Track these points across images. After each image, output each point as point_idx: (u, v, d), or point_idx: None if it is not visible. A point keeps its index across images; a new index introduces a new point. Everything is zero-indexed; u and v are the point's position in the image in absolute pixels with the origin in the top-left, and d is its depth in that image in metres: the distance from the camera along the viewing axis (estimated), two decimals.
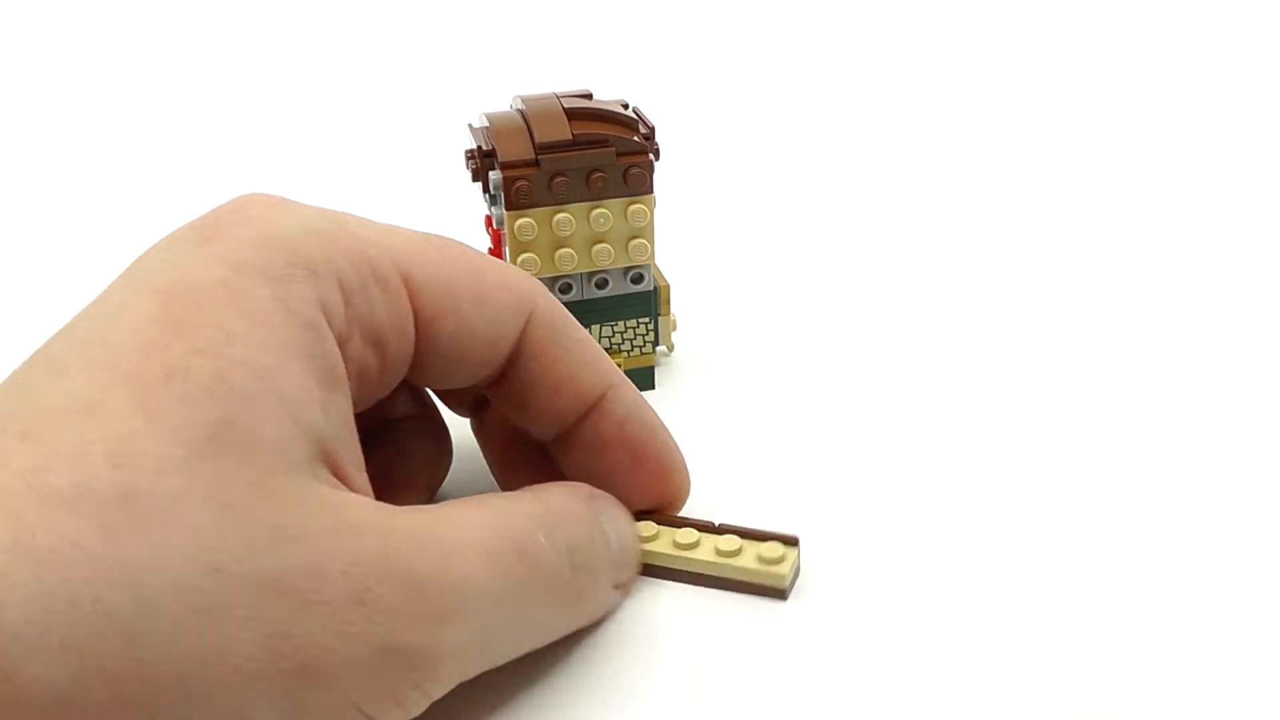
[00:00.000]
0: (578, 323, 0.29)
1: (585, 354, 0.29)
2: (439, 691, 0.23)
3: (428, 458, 0.31)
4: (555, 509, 0.27)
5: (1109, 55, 0.73)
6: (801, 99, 0.69)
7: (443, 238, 0.28)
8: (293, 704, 0.21)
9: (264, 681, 0.20)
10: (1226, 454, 0.34)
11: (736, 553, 0.29)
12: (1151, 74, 0.70)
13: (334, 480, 0.23)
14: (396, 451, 0.31)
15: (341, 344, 0.24)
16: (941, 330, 0.42)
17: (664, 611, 0.29)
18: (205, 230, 0.24)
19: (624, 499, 0.30)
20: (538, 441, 0.30)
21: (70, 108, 0.70)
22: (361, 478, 0.24)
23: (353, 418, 0.25)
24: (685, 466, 0.31)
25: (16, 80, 0.74)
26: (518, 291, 0.28)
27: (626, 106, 0.36)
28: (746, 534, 0.30)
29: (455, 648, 0.23)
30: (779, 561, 0.29)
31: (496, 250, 0.37)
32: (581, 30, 0.79)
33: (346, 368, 0.24)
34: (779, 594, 0.29)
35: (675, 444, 0.31)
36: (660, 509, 0.30)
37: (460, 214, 0.46)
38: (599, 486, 0.30)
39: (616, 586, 0.28)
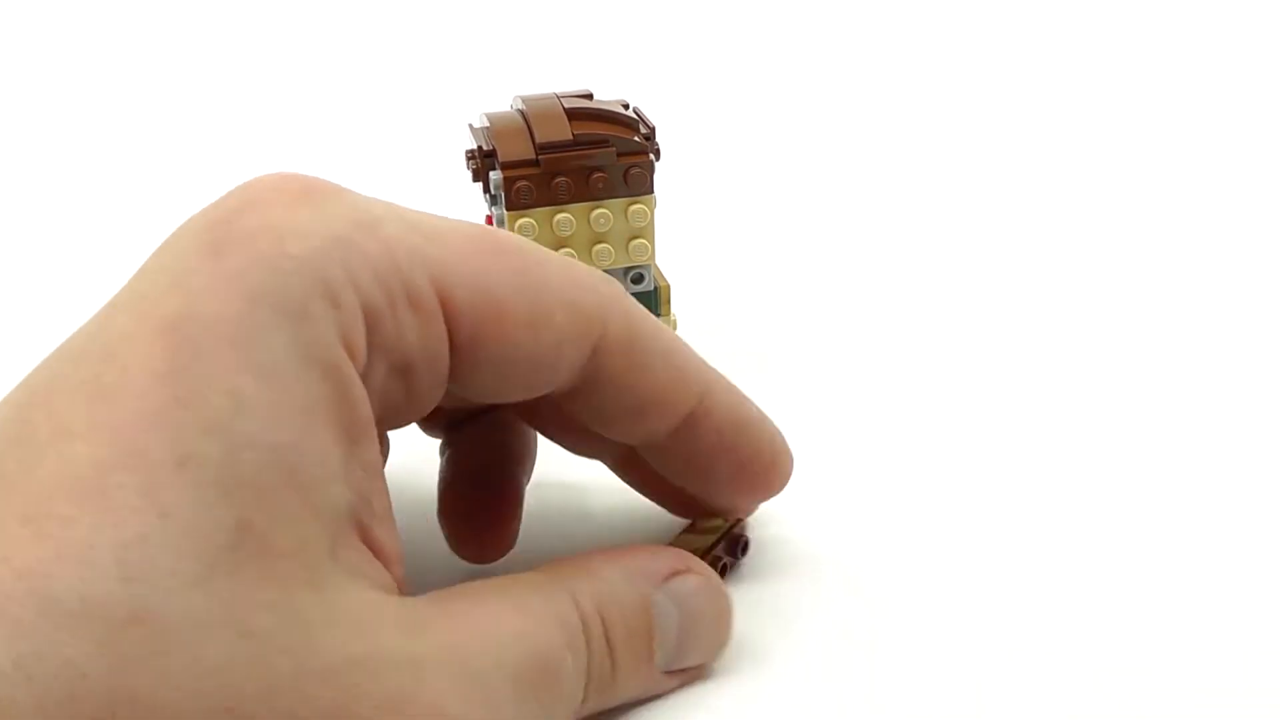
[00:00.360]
0: (663, 328, 0.26)
1: (671, 372, 0.26)
2: None
3: (516, 448, 0.30)
4: (590, 603, 0.24)
5: (1109, 55, 0.73)
6: (802, 99, 0.69)
7: (500, 237, 0.24)
8: None
9: None
10: (1224, 454, 0.34)
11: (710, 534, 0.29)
12: (1152, 74, 0.70)
13: (360, 555, 0.21)
14: (486, 448, 0.29)
15: (364, 378, 0.22)
16: (942, 330, 0.42)
17: None
18: (216, 238, 0.21)
19: (728, 501, 0.28)
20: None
21: (69, 105, 0.70)
22: (388, 531, 0.22)
23: (380, 461, 0.23)
24: (787, 446, 0.28)
25: (20, 77, 0.74)
26: (585, 312, 0.24)
27: (627, 106, 0.36)
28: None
29: None
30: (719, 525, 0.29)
31: None
32: (581, 30, 0.79)
33: (370, 402, 0.22)
34: (734, 541, 0.29)
35: (774, 427, 0.28)
36: (762, 500, 0.29)
37: (460, 214, 0.46)
38: (702, 488, 0.28)
39: (674, 672, 0.26)
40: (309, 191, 0.22)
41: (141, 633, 0.18)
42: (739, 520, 0.30)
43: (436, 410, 0.25)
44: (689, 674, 0.26)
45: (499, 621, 0.23)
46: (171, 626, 0.19)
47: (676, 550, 0.26)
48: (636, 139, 0.35)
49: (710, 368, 0.27)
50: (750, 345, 0.41)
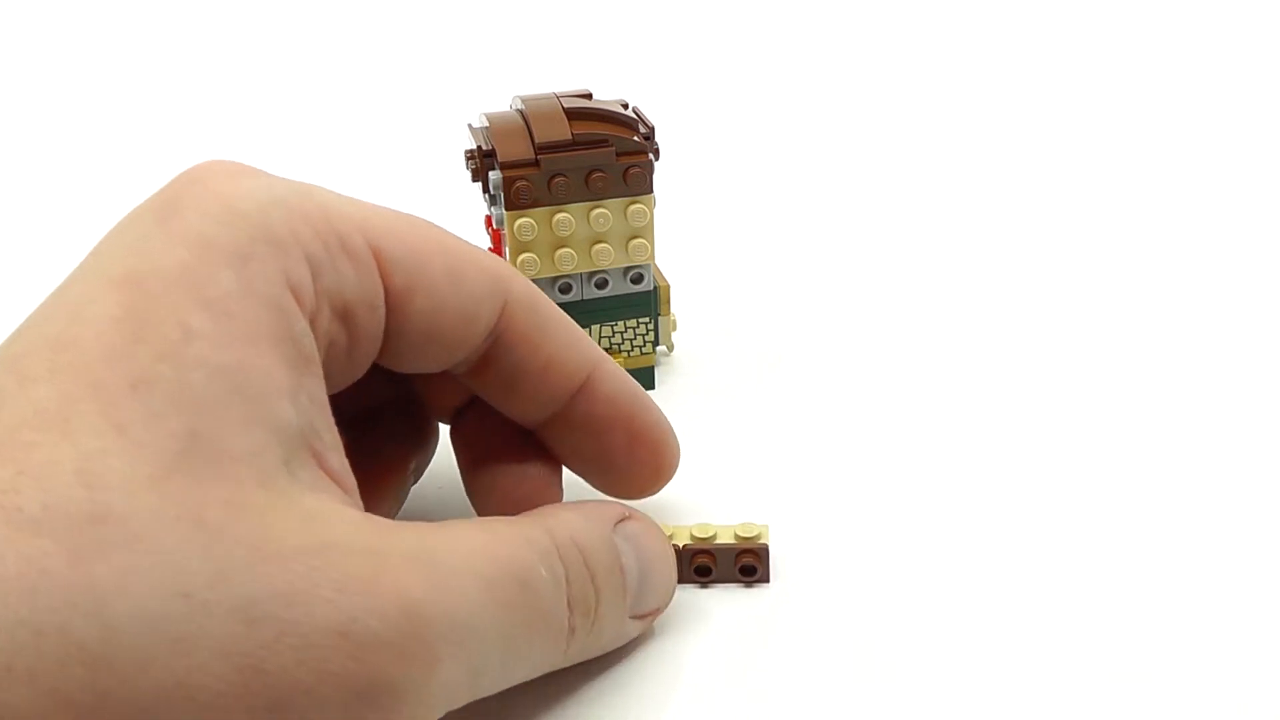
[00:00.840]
0: (554, 304, 0.29)
1: (569, 334, 0.28)
2: None
3: (412, 440, 0.31)
4: (563, 536, 0.25)
5: (1109, 56, 0.73)
6: (802, 99, 0.69)
7: (415, 216, 0.27)
8: None
9: (237, 715, 0.19)
10: (1236, 460, 0.34)
11: (713, 537, 0.29)
12: (1151, 74, 0.70)
13: (315, 475, 0.22)
14: (379, 436, 0.30)
15: (310, 321, 0.23)
16: (942, 330, 0.42)
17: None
18: (164, 206, 0.23)
19: (624, 476, 0.29)
20: (518, 452, 0.30)
21: (69, 105, 0.70)
22: (341, 461, 0.23)
23: (326, 398, 0.24)
24: (675, 435, 0.30)
25: (16, 76, 0.74)
26: (493, 273, 0.27)
27: (626, 106, 0.36)
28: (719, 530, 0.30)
29: (444, 686, 0.22)
30: (756, 536, 0.29)
31: (496, 249, 0.37)
32: (581, 30, 0.79)
33: (316, 343, 0.24)
34: (760, 564, 0.29)
35: (662, 414, 0.30)
36: (654, 482, 0.30)
37: (460, 214, 0.46)
38: (597, 467, 0.29)
39: (638, 616, 0.27)
40: (248, 169, 0.25)
41: (100, 530, 0.19)
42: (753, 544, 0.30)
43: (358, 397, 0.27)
44: (649, 619, 0.28)
45: (465, 535, 0.24)
46: (128, 522, 0.19)
47: (618, 501, 0.28)
48: (636, 139, 0.35)
49: (601, 349, 0.29)
50: (750, 345, 0.41)
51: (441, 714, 0.22)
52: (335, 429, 0.24)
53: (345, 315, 0.24)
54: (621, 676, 0.27)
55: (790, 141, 0.62)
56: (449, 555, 0.23)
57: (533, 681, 0.25)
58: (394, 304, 0.25)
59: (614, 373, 0.29)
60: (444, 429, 0.32)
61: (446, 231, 0.27)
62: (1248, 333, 0.41)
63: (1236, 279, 0.45)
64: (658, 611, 0.28)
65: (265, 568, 0.20)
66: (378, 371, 0.27)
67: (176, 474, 0.20)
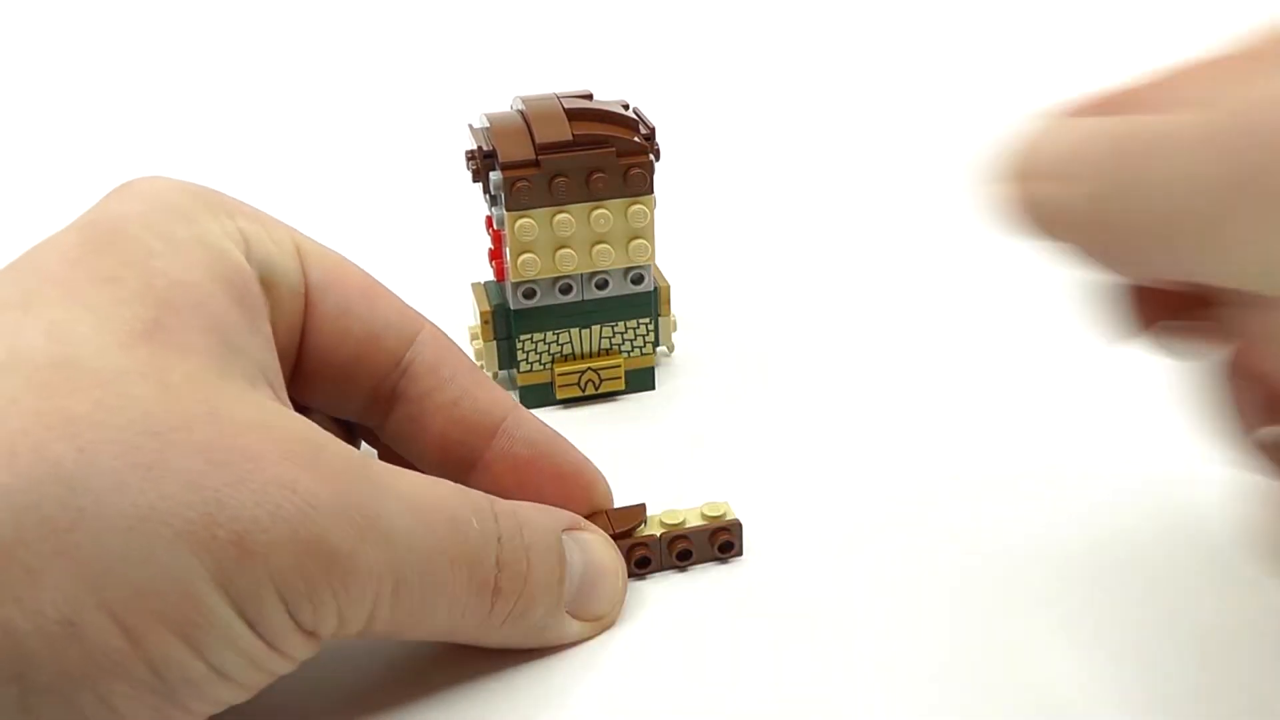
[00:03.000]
0: (467, 356, 0.29)
1: (479, 377, 0.29)
2: (351, 614, 0.23)
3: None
4: (507, 509, 0.26)
5: (1109, 56, 0.73)
6: (802, 99, 0.69)
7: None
8: (224, 576, 0.20)
9: (200, 549, 0.20)
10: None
11: (682, 522, 0.30)
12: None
13: (269, 393, 0.23)
14: None
15: None
16: (941, 330, 0.42)
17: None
18: (119, 189, 0.25)
19: None
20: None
21: (68, 106, 0.70)
22: (287, 402, 0.24)
23: (274, 343, 0.25)
24: (602, 475, 0.30)
25: (13, 78, 0.74)
26: (405, 310, 0.28)
27: (627, 107, 0.36)
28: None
29: (368, 569, 0.22)
30: (722, 514, 0.30)
31: (497, 250, 0.37)
32: (581, 30, 0.79)
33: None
34: (735, 540, 0.30)
35: (585, 456, 0.30)
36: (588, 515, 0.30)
37: (460, 214, 0.46)
38: None
39: (579, 617, 0.28)
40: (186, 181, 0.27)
41: (68, 372, 0.20)
42: (725, 521, 0.30)
43: None
44: (598, 625, 0.28)
45: (409, 474, 0.25)
46: (96, 370, 0.21)
47: (572, 513, 0.28)
48: (636, 139, 0.35)
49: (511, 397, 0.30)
50: (750, 345, 0.41)
51: (368, 607, 0.23)
52: (281, 372, 0.25)
53: (271, 289, 0.26)
54: (613, 659, 0.27)
55: (791, 142, 0.62)
56: (384, 474, 0.24)
57: (518, 663, 0.26)
58: (311, 296, 0.27)
59: (529, 417, 0.29)
60: None
61: (368, 272, 0.29)
62: None
63: None
64: (604, 620, 0.28)
65: (225, 426, 0.21)
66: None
67: (142, 345, 0.21)
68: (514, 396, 0.31)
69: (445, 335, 0.29)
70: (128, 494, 0.20)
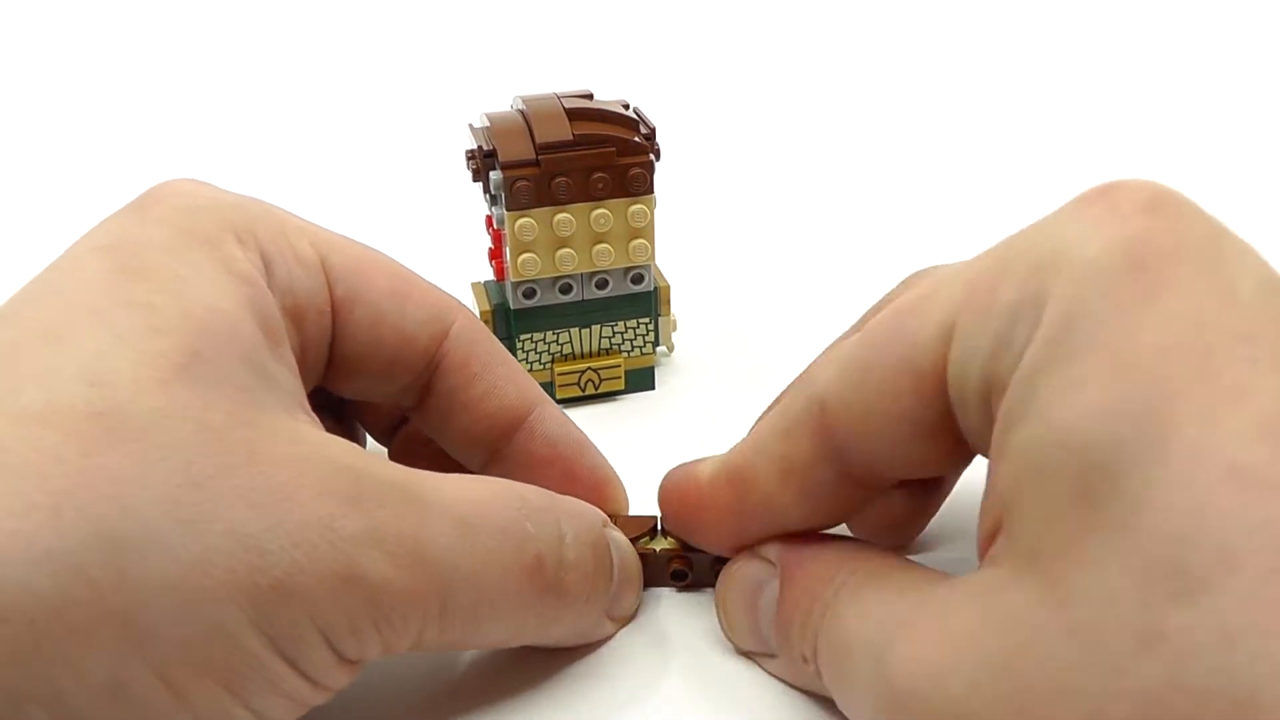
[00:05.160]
0: (500, 344, 0.29)
1: (510, 370, 0.29)
2: (396, 640, 0.23)
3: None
4: (568, 507, 0.26)
5: (1109, 56, 0.73)
6: (802, 99, 0.69)
7: (369, 246, 0.28)
8: (266, 621, 0.21)
9: (241, 596, 0.20)
10: None
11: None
12: (1150, 74, 0.70)
13: (305, 416, 0.23)
14: None
15: None
16: None
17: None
18: (139, 205, 0.25)
19: None
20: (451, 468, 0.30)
21: (68, 107, 0.70)
22: (316, 424, 0.24)
23: (298, 369, 0.25)
24: (619, 480, 0.30)
25: (11, 79, 0.74)
26: (436, 301, 0.28)
27: (627, 107, 0.36)
28: (689, 547, 0.29)
29: (413, 598, 0.22)
30: None
31: (497, 249, 0.37)
32: (581, 30, 0.79)
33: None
34: None
35: (606, 460, 0.30)
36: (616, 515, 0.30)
37: (460, 214, 0.46)
38: None
39: (612, 617, 0.28)
40: (208, 184, 0.26)
41: (108, 423, 0.20)
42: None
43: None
44: (621, 624, 0.28)
45: (452, 482, 0.24)
46: (136, 418, 0.20)
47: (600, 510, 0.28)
48: (637, 139, 0.35)
49: (544, 393, 0.29)
50: (750, 345, 0.41)
51: (415, 632, 0.23)
52: (305, 397, 0.25)
53: (295, 314, 0.26)
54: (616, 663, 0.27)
55: (791, 142, 0.62)
56: (426, 491, 0.23)
57: (526, 670, 0.26)
58: (338, 310, 0.27)
59: (556, 416, 0.29)
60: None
61: (397, 261, 0.28)
62: None
63: None
64: (627, 619, 0.28)
65: (264, 466, 0.21)
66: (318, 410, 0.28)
67: (178, 381, 0.21)
68: None
69: (478, 325, 0.29)
70: (170, 551, 0.20)
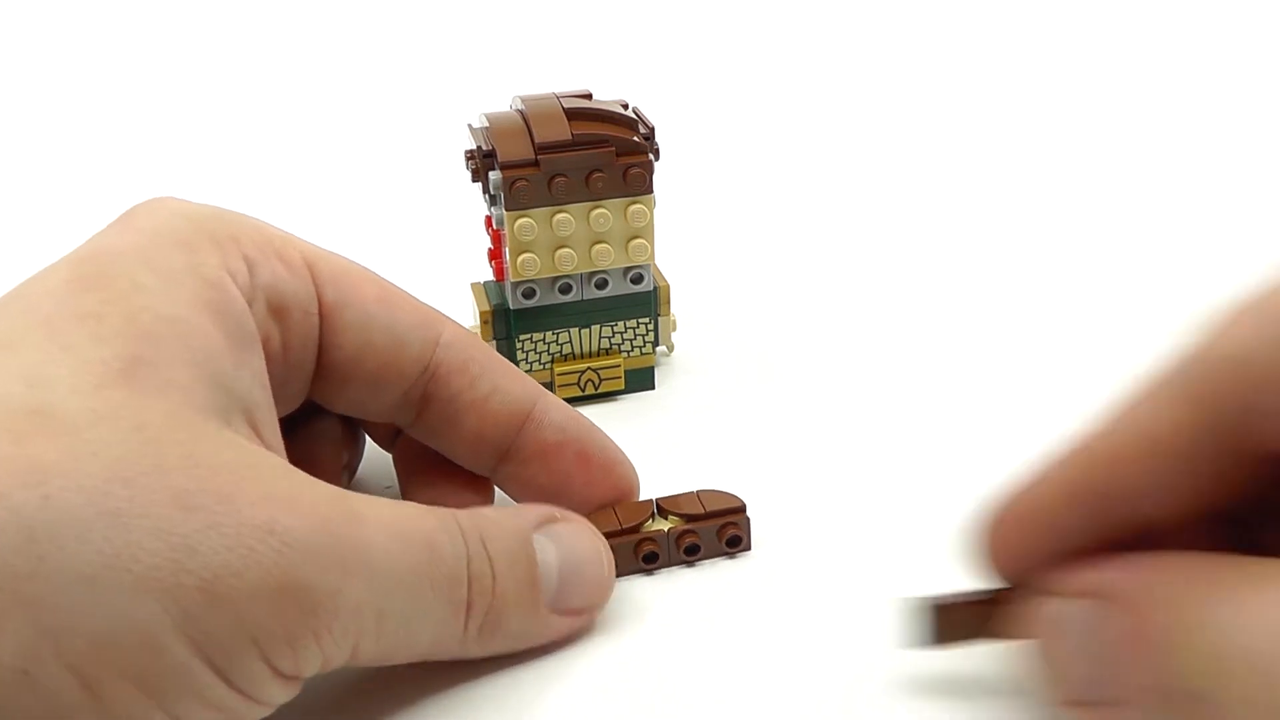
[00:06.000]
0: (492, 349, 0.29)
1: (507, 369, 0.29)
2: (334, 652, 0.22)
3: (343, 439, 0.31)
4: (469, 521, 0.26)
5: (1108, 56, 0.73)
6: (802, 99, 0.69)
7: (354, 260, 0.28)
8: (193, 625, 0.20)
9: (166, 596, 0.20)
10: None
11: (685, 512, 0.30)
12: (1150, 74, 0.70)
13: (249, 432, 0.23)
14: (310, 437, 0.30)
15: (249, 305, 0.25)
16: (941, 330, 0.42)
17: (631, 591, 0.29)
18: (125, 217, 0.25)
19: (580, 500, 0.29)
20: (455, 472, 0.30)
21: (66, 107, 0.70)
22: (275, 437, 0.24)
23: (268, 380, 0.25)
24: (628, 459, 0.31)
25: (9, 80, 0.74)
26: (425, 311, 0.28)
27: (626, 106, 0.36)
28: (693, 518, 0.30)
29: (352, 607, 0.22)
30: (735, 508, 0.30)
31: (496, 250, 0.37)
32: (581, 30, 0.79)
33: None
34: (744, 534, 0.30)
35: (613, 441, 0.30)
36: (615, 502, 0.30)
37: (460, 214, 0.46)
38: (551, 496, 0.29)
39: (562, 613, 0.27)
40: (190, 200, 0.26)
41: (42, 420, 0.20)
42: (735, 513, 0.30)
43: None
44: (580, 619, 0.28)
45: (383, 503, 0.24)
46: (70, 417, 0.20)
47: (550, 506, 0.28)
48: (636, 139, 0.35)
49: (538, 384, 0.30)
50: (751, 345, 0.41)
51: (350, 644, 0.23)
52: (274, 411, 0.25)
53: (279, 313, 0.26)
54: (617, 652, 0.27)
55: (791, 141, 0.62)
56: (362, 506, 0.24)
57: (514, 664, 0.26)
58: (326, 314, 0.27)
59: (559, 404, 0.30)
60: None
61: (382, 276, 0.28)
62: None
63: (1232, 279, 0.45)
64: (589, 610, 0.28)
65: (200, 470, 0.21)
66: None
67: (118, 386, 0.21)
68: None
69: (466, 332, 0.29)
70: (91, 542, 0.19)
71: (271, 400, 0.25)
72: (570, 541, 0.27)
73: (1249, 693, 0.18)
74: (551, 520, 0.27)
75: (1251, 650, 0.19)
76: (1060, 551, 0.23)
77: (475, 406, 0.29)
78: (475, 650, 0.26)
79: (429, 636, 0.25)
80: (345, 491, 0.24)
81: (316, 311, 0.27)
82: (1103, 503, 0.23)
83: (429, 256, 0.46)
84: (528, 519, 0.27)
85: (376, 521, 0.23)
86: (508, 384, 0.29)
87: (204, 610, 0.20)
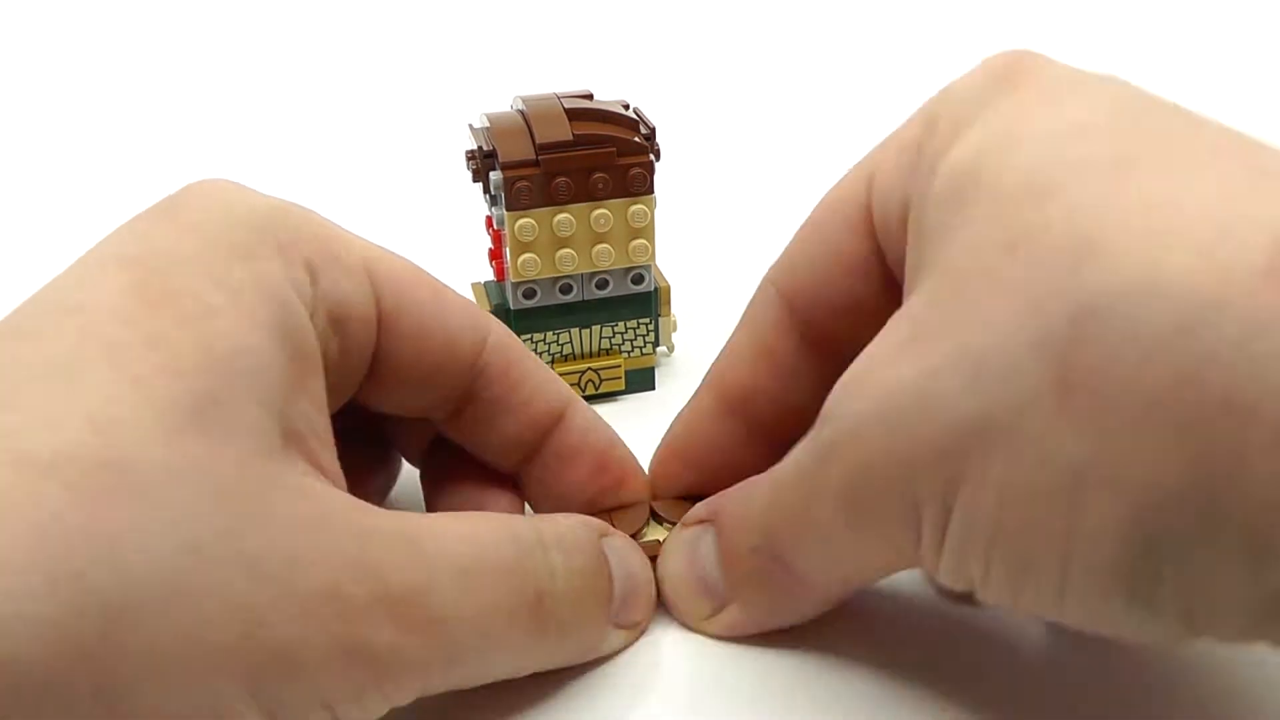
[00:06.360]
0: (527, 348, 0.30)
1: (544, 372, 0.29)
2: (401, 700, 0.23)
3: (376, 462, 0.31)
4: (553, 533, 0.26)
5: (1108, 55, 0.73)
6: (802, 99, 0.69)
7: (404, 258, 0.28)
8: (264, 695, 0.20)
9: (238, 669, 0.20)
10: None
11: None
12: (1151, 74, 0.70)
13: (309, 468, 0.23)
14: (345, 459, 0.30)
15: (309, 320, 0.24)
16: None
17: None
18: (170, 208, 0.24)
19: (588, 503, 0.30)
20: (484, 490, 0.30)
21: (64, 107, 0.70)
22: (333, 462, 0.24)
23: (325, 398, 0.24)
24: (642, 469, 0.31)
25: (15, 79, 0.74)
26: (473, 312, 0.28)
27: (627, 107, 0.36)
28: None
29: (420, 659, 0.22)
30: None
31: (497, 250, 0.37)
32: (581, 30, 0.79)
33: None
34: None
35: (631, 452, 0.31)
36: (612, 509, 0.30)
37: (460, 214, 0.46)
38: (562, 498, 0.29)
39: (621, 626, 0.27)
40: (246, 187, 0.25)
41: (111, 477, 0.19)
42: None
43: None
44: (634, 632, 0.28)
45: (449, 527, 0.24)
46: (140, 472, 0.19)
47: (593, 518, 0.28)
48: (637, 139, 0.35)
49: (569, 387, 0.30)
50: None
51: (421, 688, 0.23)
52: (330, 429, 0.24)
53: (339, 323, 0.25)
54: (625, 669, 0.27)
55: (791, 142, 0.62)
56: (427, 541, 0.23)
57: (535, 684, 0.26)
58: (384, 321, 0.26)
59: (587, 411, 0.30)
60: None
61: (431, 274, 0.28)
62: None
63: None
64: (641, 625, 0.28)
65: (269, 530, 0.21)
66: (350, 410, 0.27)
67: (189, 430, 0.20)
68: None
69: (509, 333, 0.29)
70: (166, 622, 0.19)
71: (329, 421, 0.24)
72: (628, 553, 0.28)
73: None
74: (607, 533, 0.28)
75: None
76: (728, 465, 0.28)
77: (515, 409, 0.28)
78: (549, 663, 0.26)
79: (509, 660, 0.25)
80: (412, 523, 0.23)
81: (375, 319, 0.26)
82: (738, 409, 0.29)
83: (429, 256, 0.46)
84: (594, 528, 0.27)
85: (447, 559, 0.23)
86: (545, 387, 0.29)
87: (276, 681, 0.20)
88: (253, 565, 0.20)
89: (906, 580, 0.29)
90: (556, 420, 0.29)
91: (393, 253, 0.27)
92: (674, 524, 0.30)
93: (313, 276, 0.24)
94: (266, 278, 0.23)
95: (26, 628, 0.18)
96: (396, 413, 0.29)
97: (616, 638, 0.27)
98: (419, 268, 0.28)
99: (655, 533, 0.30)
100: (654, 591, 0.28)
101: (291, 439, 0.22)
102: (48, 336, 0.21)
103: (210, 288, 0.22)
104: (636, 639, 0.28)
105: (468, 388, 0.28)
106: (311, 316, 0.24)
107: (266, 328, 0.22)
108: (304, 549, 0.21)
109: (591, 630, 0.26)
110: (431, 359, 0.27)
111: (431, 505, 0.30)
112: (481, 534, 0.24)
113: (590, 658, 0.27)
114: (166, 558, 0.19)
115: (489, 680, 0.25)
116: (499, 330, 0.29)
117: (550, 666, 0.26)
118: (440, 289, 0.28)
